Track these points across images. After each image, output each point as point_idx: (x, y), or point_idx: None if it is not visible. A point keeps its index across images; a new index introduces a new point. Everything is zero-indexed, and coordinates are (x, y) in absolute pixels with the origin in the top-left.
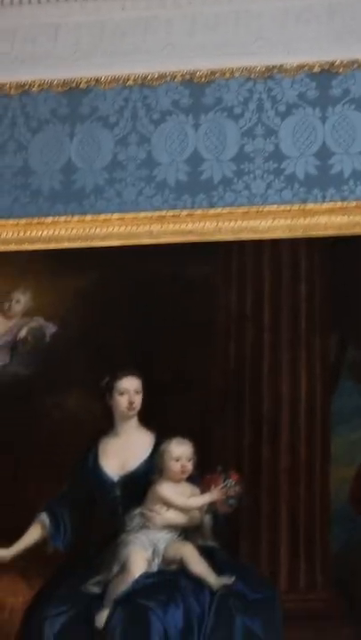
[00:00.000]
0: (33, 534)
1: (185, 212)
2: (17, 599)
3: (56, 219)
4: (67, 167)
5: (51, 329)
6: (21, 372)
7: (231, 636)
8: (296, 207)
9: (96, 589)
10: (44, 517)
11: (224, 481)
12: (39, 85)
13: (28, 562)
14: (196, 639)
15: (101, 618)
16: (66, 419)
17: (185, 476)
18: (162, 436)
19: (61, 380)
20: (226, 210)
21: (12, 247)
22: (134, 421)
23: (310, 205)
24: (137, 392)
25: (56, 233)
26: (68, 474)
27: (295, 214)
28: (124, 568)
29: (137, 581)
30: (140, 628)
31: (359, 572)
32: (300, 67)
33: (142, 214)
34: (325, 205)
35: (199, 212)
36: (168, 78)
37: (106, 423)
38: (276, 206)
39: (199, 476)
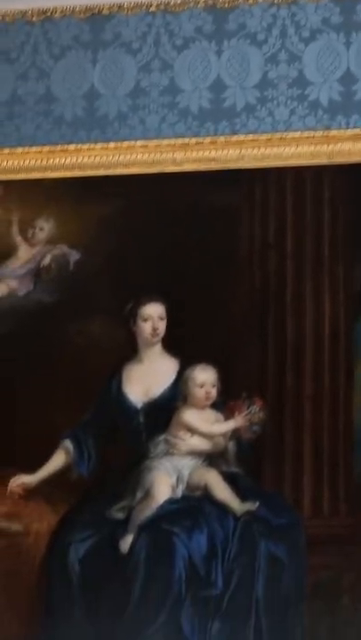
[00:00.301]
0: (57, 461)
1: (208, 140)
2: (42, 524)
3: (79, 146)
4: (89, 94)
5: (74, 256)
6: (45, 300)
7: (255, 561)
8: (320, 134)
9: (120, 515)
10: (68, 444)
11: (248, 407)
12: (61, 12)
13: (52, 488)
14: (220, 564)
15: (126, 543)
16: (89, 346)
17: (209, 402)
18: (186, 363)
19: (85, 308)
20: (249, 137)
21: (35, 175)
22: (158, 348)
23: (334, 132)
24: (161, 318)
25: (79, 160)
26: (91, 401)
27: (319, 141)
28: (148, 494)
29: (161, 507)
30: (165, 553)
31: None
32: None
33: (165, 141)
34: (349, 132)
35: (222, 139)
36: (191, 4)
37: (129, 350)
38: (299, 133)
39: (223, 403)
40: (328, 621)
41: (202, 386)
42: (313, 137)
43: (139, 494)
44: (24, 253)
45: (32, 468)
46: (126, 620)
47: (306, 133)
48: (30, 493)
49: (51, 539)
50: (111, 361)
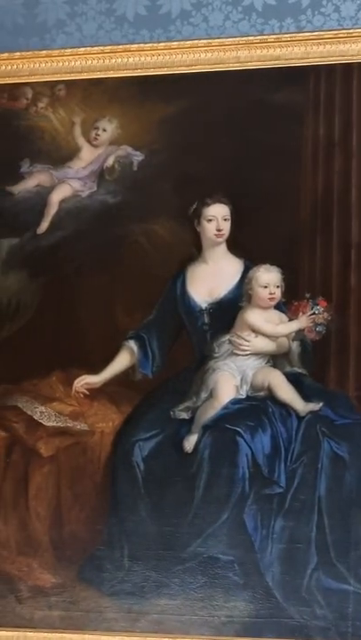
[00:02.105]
0: (121, 361)
1: (272, 37)
2: (107, 424)
3: (142, 45)
4: None
5: (138, 157)
6: (108, 201)
7: (318, 460)
8: None
9: (184, 415)
10: (132, 344)
11: (312, 308)
12: None
13: (117, 388)
14: (283, 463)
15: (190, 442)
16: (153, 246)
17: (273, 303)
18: (250, 264)
19: (149, 208)
20: (314, 34)
21: (98, 75)
22: (222, 249)
23: None
24: (225, 219)
25: (142, 60)
26: (156, 301)
27: None
28: (212, 394)
29: (225, 407)
30: (228, 451)
31: None
32: None
33: (229, 40)
34: None
35: (287, 36)
36: None
37: (194, 251)
38: None
39: (287, 304)
40: None
41: (266, 286)
42: None
43: (203, 394)
44: (87, 154)
45: (96, 368)
46: (190, 517)
47: None
48: (95, 393)
49: (116, 437)
50: (175, 261)
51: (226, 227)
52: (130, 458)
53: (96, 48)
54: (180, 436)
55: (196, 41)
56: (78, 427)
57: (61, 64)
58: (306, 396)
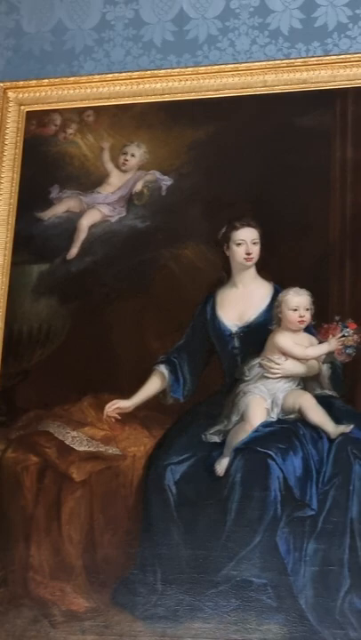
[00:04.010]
0: (152, 386)
1: (299, 61)
2: (138, 448)
3: (169, 71)
4: (179, 17)
5: (166, 182)
6: (138, 225)
7: (349, 482)
8: None
9: (216, 438)
10: (163, 369)
11: (342, 330)
12: None
13: (148, 412)
14: (315, 485)
15: (222, 466)
16: (183, 271)
17: (303, 326)
18: (280, 287)
19: (178, 233)
20: (341, 57)
21: (126, 101)
22: (252, 272)
23: None
24: (254, 242)
25: (169, 85)
26: (186, 326)
27: None
28: (243, 417)
29: (256, 430)
30: (260, 474)
31: None
32: None
33: (256, 64)
34: None
35: (314, 59)
36: None
37: (223, 275)
38: None
39: (317, 326)
40: None
41: (295, 309)
42: None
43: (234, 418)
44: (116, 180)
45: (128, 393)
46: (223, 540)
47: None
48: (126, 418)
49: (147, 461)
50: (205, 286)
51: (255, 250)
52: (162, 482)
53: (124, 74)
54: (211, 460)
55: (223, 65)
56: (110, 451)
57: (90, 90)
58: (336, 419)
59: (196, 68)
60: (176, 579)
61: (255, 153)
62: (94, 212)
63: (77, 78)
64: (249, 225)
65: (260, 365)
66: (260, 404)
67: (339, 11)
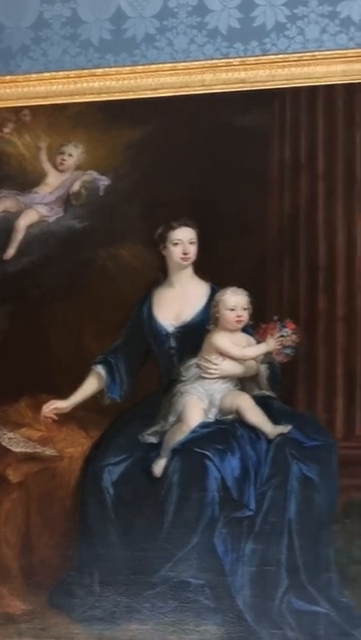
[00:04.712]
0: (90, 386)
1: (237, 60)
2: (76, 449)
3: (107, 70)
4: (116, 16)
5: (104, 182)
6: (75, 226)
7: (287, 483)
8: (352, 52)
9: (153, 439)
10: (100, 369)
11: (280, 330)
12: None
13: (85, 413)
14: (253, 486)
15: (159, 466)
16: (120, 271)
17: (240, 325)
18: (217, 287)
19: (115, 233)
20: (279, 57)
21: (63, 100)
22: (189, 272)
23: None
24: (191, 242)
25: (107, 84)
26: (123, 326)
27: (351, 59)
28: (180, 418)
29: (194, 431)
30: (198, 475)
31: None
32: None
33: (194, 63)
34: None
35: (252, 59)
36: None
37: (160, 274)
38: (331, 51)
39: (255, 327)
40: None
41: (233, 309)
42: (345, 55)
43: (171, 418)
44: (53, 180)
45: (65, 393)
46: (160, 541)
47: (338, 52)
48: (63, 418)
49: (85, 462)
50: (142, 286)
51: (192, 250)
52: (99, 483)
53: (61, 73)
54: (149, 461)
55: (161, 65)
56: (47, 452)
57: (26, 89)
58: (275, 419)
59: (133, 68)
60: (113, 580)
61: (193, 153)
62: (32, 212)
63: (14, 77)
64: (186, 225)
65: (198, 366)
66: (197, 405)
67: (277, 10)
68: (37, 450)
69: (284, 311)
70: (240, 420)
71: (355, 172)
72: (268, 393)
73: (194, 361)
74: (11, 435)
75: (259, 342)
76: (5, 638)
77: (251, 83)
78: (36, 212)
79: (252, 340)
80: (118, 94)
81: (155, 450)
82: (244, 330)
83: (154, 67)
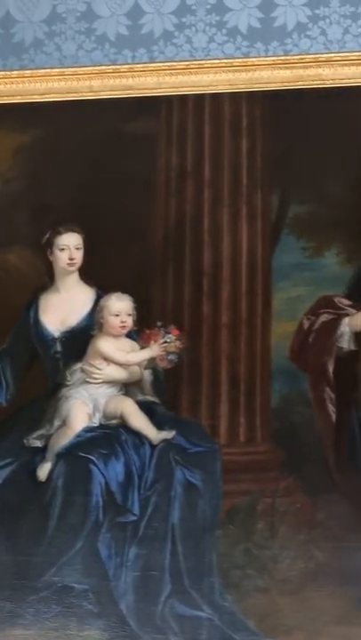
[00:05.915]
0: None
1: (125, 67)
2: None
3: None
4: (5, 20)
5: None
6: None
7: (171, 488)
8: (238, 61)
9: (38, 443)
10: None
11: (164, 336)
12: None
13: None
14: (137, 491)
15: (44, 471)
16: (8, 276)
17: (124, 331)
18: (102, 292)
19: (4, 237)
20: (166, 64)
21: None
22: (75, 277)
23: (253, 59)
24: (77, 248)
25: None
26: (9, 330)
27: (237, 68)
28: (65, 422)
29: (78, 435)
30: (82, 480)
31: (296, 426)
32: None
33: (82, 69)
34: (268, 59)
35: (139, 66)
36: None
37: (47, 279)
38: (217, 60)
39: (139, 332)
40: (243, 547)
41: (117, 314)
42: (231, 64)
43: (56, 422)
44: None
45: None
46: (44, 546)
47: (224, 61)
48: None
49: None
50: (30, 290)
51: (78, 255)
52: None
53: None
54: (34, 465)
55: (49, 70)
56: None
57: None
58: (158, 425)
59: (22, 72)
60: None
61: (82, 158)
62: None
63: None
64: (73, 230)
65: (82, 370)
66: (81, 409)
67: (165, 18)
68: None
69: (169, 317)
70: (124, 425)
71: (240, 180)
72: (151, 398)
73: (79, 365)
74: None
75: (143, 348)
76: None
77: (138, 89)
78: None
79: (136, 345)
80: (6, 98)
81: (40, 454)
82: (129, 335)
83: (42, 71)
